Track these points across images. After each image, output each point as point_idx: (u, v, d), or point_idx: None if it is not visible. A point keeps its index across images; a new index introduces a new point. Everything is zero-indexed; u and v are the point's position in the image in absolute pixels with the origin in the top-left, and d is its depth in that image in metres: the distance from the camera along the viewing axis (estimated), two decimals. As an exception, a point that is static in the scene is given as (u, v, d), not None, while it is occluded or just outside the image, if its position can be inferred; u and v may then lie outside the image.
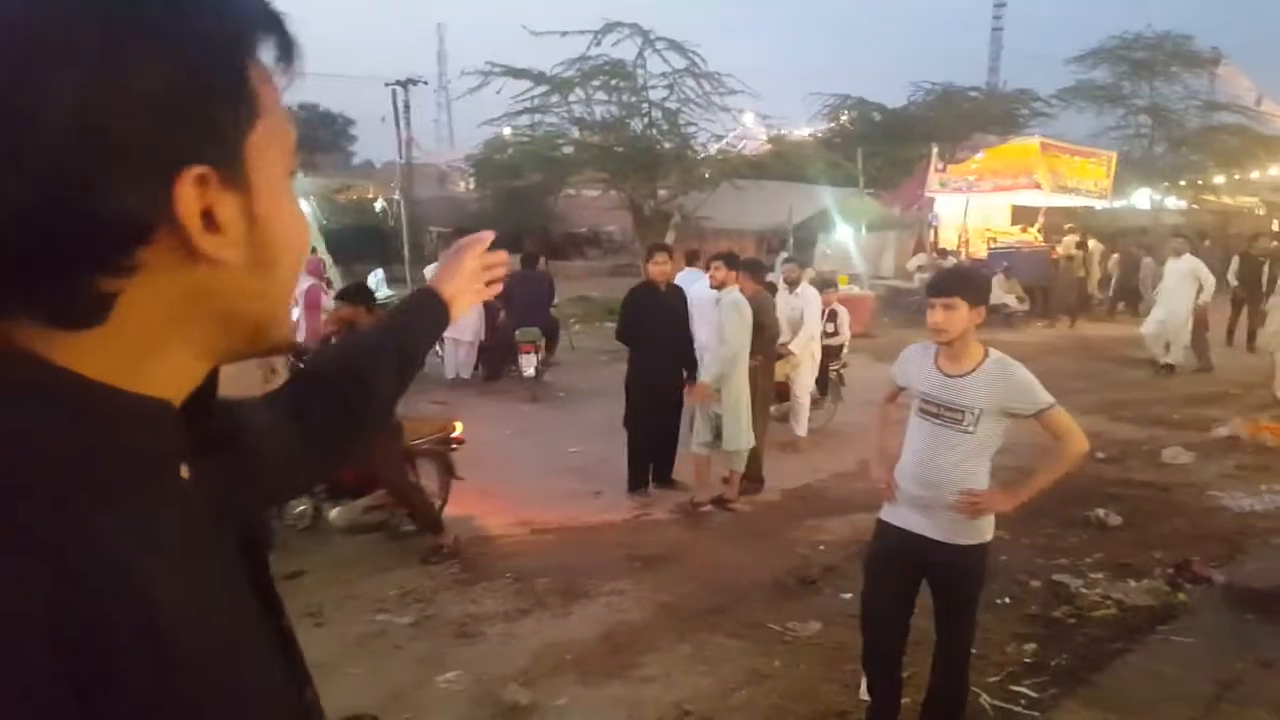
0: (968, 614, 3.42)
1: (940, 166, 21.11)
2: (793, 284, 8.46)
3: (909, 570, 3.44)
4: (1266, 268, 13.31)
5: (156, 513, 0.58)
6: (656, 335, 6.92)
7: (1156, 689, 3.98)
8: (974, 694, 3.92)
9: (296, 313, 9.16)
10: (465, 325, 10.29)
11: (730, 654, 4.45)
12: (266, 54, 0.62)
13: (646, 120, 22.16)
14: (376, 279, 15.28)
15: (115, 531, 0.54)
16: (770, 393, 7.51)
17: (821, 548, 5.86)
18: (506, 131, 24.76)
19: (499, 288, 1.42)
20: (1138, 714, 3.82)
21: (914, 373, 3.47)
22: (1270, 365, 10.18)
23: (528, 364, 10.40)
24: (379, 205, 28.14)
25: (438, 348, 10.92)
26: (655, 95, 21.96)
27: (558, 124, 22.81)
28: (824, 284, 9.44)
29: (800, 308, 8.19)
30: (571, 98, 22.04)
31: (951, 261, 17.89)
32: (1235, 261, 14.04)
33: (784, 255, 13.56)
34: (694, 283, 7.65)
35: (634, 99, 22.01)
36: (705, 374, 6.52)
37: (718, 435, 6.54)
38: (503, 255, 1.39)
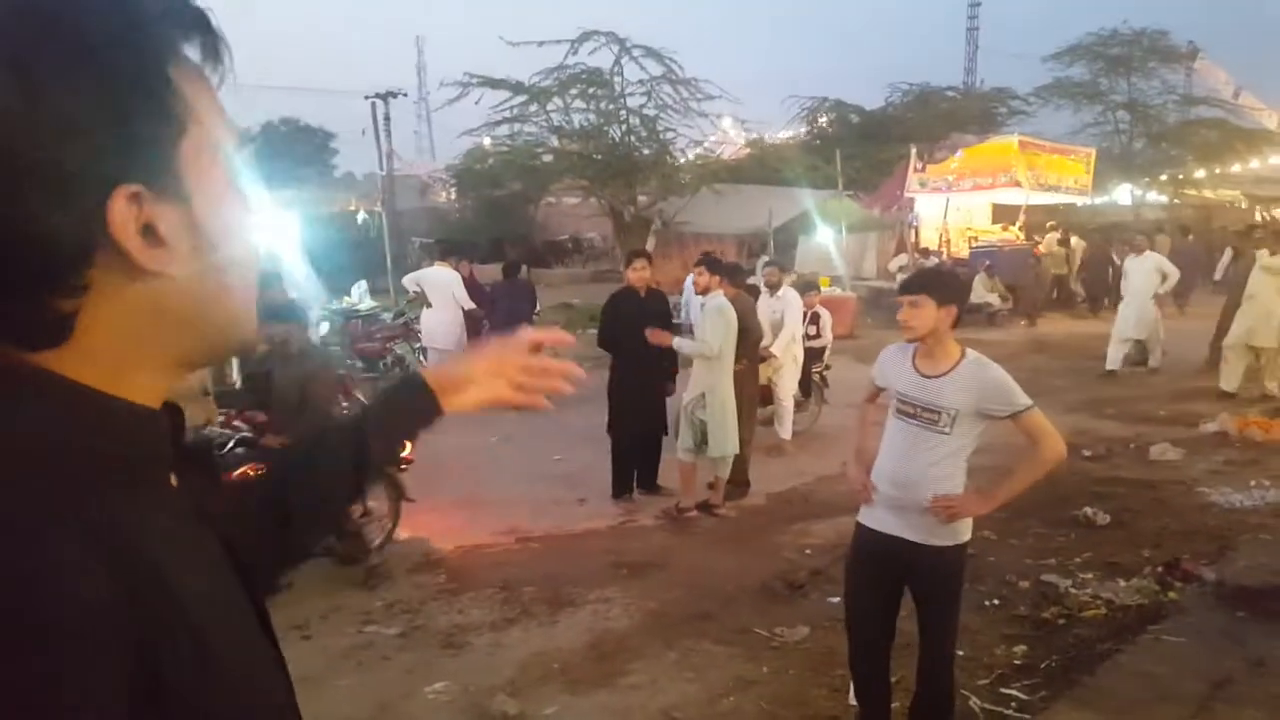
0: (948, 615, 3.37)
1: (919, 167, 21.20)
2: (774, 287, 8.43)
3: (888, 572, 3.40)
4: (1231, 261, 13.08)
5: (159, 512, 0.62)
6: (637, 341, 6.88)
7: (1147, 689, 3.93)
8: (963, 696, 3.88)
9: None
10: (443, 334, 10.19)
11: (717, 660, 4.41)
12: (191, 54, 0.62)
13: (625, 127, 22.21)
14: (359, 290, 15.17)
15: (137, 524, 0.59)
16: (755, 397, 7.48)
17: (808, 551, 5.82)
18: (486, 141, 24.78)
19: (539, 400, 1.15)
20: (1129, 715, 3.78)
21: (892, 373, 3.45)
22: (1240, 361, 10.06)
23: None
24: (361, 217, 28.04)
25: (421, 357, 10.84)
26: (633, 103, 22.06)
27: (537, 133, 22.87)
28: (805, 286, 9.41)
29: (781, 310, 8.16)
30: (550, 107, 22.10)
31: (933, 261, 17.94)
32: (1227, 255, 13.85)
33: (764, 259, 13.54)
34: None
35: (612, 107, 22.07)
36: (681, 346, 6.49)
37: (703, 441, 6.49)
38: (570, 367, 1.18)
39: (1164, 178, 30.11)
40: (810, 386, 8.89)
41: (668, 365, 7.10)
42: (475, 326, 10.91)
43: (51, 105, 0.55)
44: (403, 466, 5.83)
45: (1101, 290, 18.16)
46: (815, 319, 9.05)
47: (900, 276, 17.27)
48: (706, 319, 6.43)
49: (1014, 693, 4.03)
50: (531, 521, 6.54)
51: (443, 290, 10.26)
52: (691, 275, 8.41)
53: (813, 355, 8.84)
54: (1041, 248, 19.18)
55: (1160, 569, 5.20)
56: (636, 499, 7.01)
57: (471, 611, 5.01)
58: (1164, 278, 11.58)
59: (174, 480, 0.68)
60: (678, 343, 6.52)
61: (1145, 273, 11.57)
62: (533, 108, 22.06)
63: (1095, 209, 25.38)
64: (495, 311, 11.08)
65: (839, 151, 23.80)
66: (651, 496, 7.06)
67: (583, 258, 34.77)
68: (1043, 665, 4.26)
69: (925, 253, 19.26)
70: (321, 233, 24.85)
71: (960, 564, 3.34)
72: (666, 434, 7.12)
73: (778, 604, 5.04)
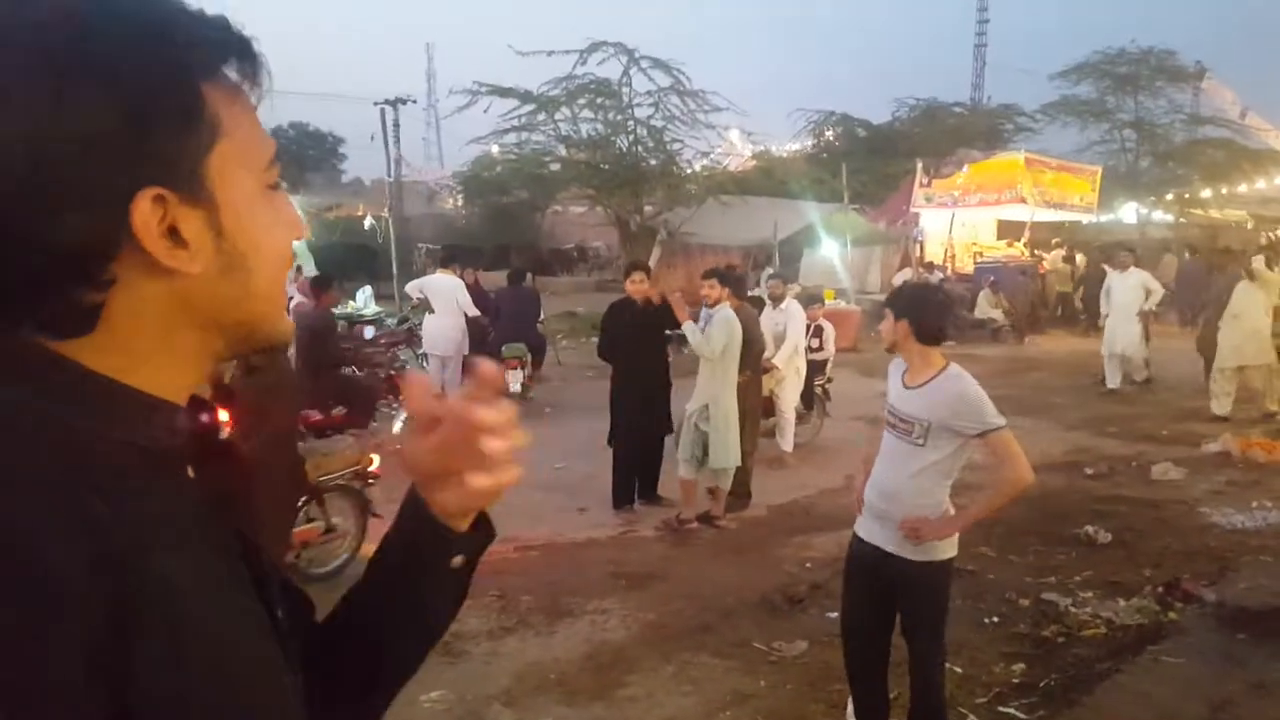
0: (930, 632, 3.38)
1: (925, 181, 21.21)
2: (777, 299, 8.45)
3: (878, 584, 3.42)
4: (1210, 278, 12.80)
5: (161, 499, 0.64)
6: (636, 351, 6.94)
7: (1147, 710, 3.92)
8: (961, 714, 3.87)
9: None
10: (445, 340, 10.19)
11: (715, 674, 4.39)
12: (229, 73, 0.67)
13: (632, 138, 22.24)
14: (365, 296, 15.23)
15: (131, 506, 0.61)
16: (758, 408, 7.47)
17: (808, 565, 5.80)
18: (494, 149, 24.86)
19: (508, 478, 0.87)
20: (1129, 735, 3.76)
21: (890, 384, 3.54)
22: (1230, 383, 9.99)
23: (514, 380, 10.34)
24: (368, 223, 28.11)
25: (423, 363, 10.86)
26: (641, 113, 22.08)
27: (544, 142, 22.91)
28: (809, 299, 9.43)
29: (784, 323, 8.18)
30: (558, 116, 22.14)
31: (938, 276, 17.94)
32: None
33: (768, 271, 13.55)
34: None
35: (620, 117, 22.10)
36: (691, 332, 6.50)
37: (704, 453, 6.50)
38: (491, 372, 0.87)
39: (1170, 197, 30.07)
40: (813, 399, 8.89)
41: (666, 375, 7.10)
42: (480, 333, 10.94)
43: (79, 110, 0.59)
44: (370, 481, 5.76)
45: (1098, 307, 18.06)
46: (818, 332, 9.06)
47: (904, 291, 17.28)
48: (713, 329, 6.47)
49: (1012, 711, 4.01)
50: (531, 530, 6.51)
51: (446, 297, 10.27)
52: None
53: (815, 368, 8.84)
54: (1046, 264, 19.17)
55: (1161, 589, 5.17)
56: (637, 509, 7.01)
57: (469, 620, 4.99)
58: (1148, 294, 11.57)
59: (190, 472, 0.71)
60: (688, 327, 6.53)
61: (1129, 289, 11.54)
62: (541, 117, 22.10)
63: (1101, 227, 25.35)
64: (499, 317, 11.11)
65: (845, 165, 23.84)
66: (652, 507, 7.05)
67: (588, 266, 34.83)
68: (1042, 684, 4.24)
69: (930, 267, 19.25)
70: (328, 237, 24.98)
71: (941, 580, 3.34)
72: (671, 432, 7.11)
73: (777, 618, 5.03)
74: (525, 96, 21.80)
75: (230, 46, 0.67)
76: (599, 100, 21.88)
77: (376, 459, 5.84)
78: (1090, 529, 6.21)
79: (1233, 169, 29.02)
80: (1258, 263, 10.09)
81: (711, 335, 6.44)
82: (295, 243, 0.76)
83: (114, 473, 0.62)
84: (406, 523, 0.87)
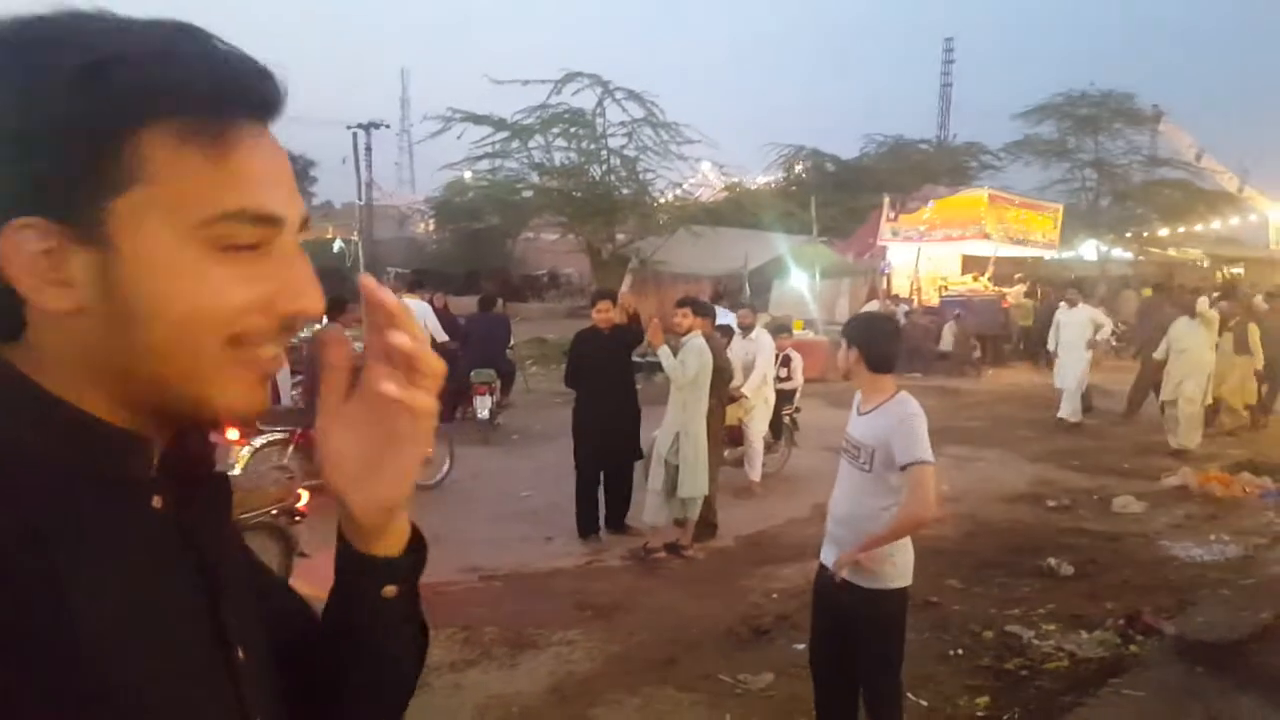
0: (879, 661, 3.37)
1: (892, 216, 21.48)
2: (747, 329, 8.49)
3: (836, 613, 3.43)
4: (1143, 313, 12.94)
5: (89, 519, 0.64)
6: (601, 380, 6.95)
7: (1109, 742, 3.94)
8: (927, 748, 3.86)
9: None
10: None
11: (680, 707, 4.36)
12: (172, 125, 0.63)
13: (605, 167, 22.38)
14: (331, 319, 15.06)
15: (31, 519, 0.61)
16: (720, 435, 7.47)
17: (775, 596, 5.80)
18: (467, 175, 24.89)
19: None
20: (1090, 768, 3.78)
21: (851, 414, 3.58)
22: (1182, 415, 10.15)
23: (482, 406, 10.29)
24: (338, 245, 27.98)
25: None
26: (614, 143, 22.25)
27: (518, 169, 22.97)
28: (778, 329, 9.48)
29: (754, 352, 8.22)
30: (532, 144, 22.23)
31: (904, 309, 18.12)
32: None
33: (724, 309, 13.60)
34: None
35: (593, 146, 22.25)
36: (664, 356, 6.52)
37: (674, 487, 6.50)
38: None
39: (1129, 235, 30.74)
40: (781, 429, 8.91)
41: (633, 403, 7.11)
42: (449, 358, 10.85)
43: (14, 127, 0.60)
44: (297, 519, 5.64)
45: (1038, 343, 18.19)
46: (786, 361, 9.10)
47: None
48: (686, 355, 6.50)
49: (976, 744, 4.01)
50: (496, 559, 6.45)
51: (414, 322, 10.20)
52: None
53: (784, 397, 8.88)
54: (1010, 299, 19.43)
55: (1122, 621, 5.22)
56: (604, 538, 6.97)
57: (431, 652, 4.85)
58: (1097, 328, 11.77)
59: (158, 502, 0.70)
60: (663, 352, 6.54)
61: (1077, 325, 11.73)
62: (514, 144, 22.19)
63: (1062, 263, 25.82)
64: (469, 342, 11.06)
65: (815, 198, 24.09)
66: (619, 536, 7.02)
67: (559, 293, 34.87)
68: (1005, 717, 4.25)
69: (896, 300, 19.45)
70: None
71: (891, 610, 3.34)
72: (640, 458, 7.10)
73: (743, 649, 5.01)
74: (499, 124, 21.88)
75: (193, 94, 0.63)
76: (573, 129, 22.01)
77: (305, 495, 5.71)
78: (1053, 561, 6.26)
79: (1189, 209, 29.80)
80: (1201, 304, 10.30)
81: (685, 362, 6.47)
82: None
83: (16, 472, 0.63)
84: (337, 564, 0.83)
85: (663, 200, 24.27)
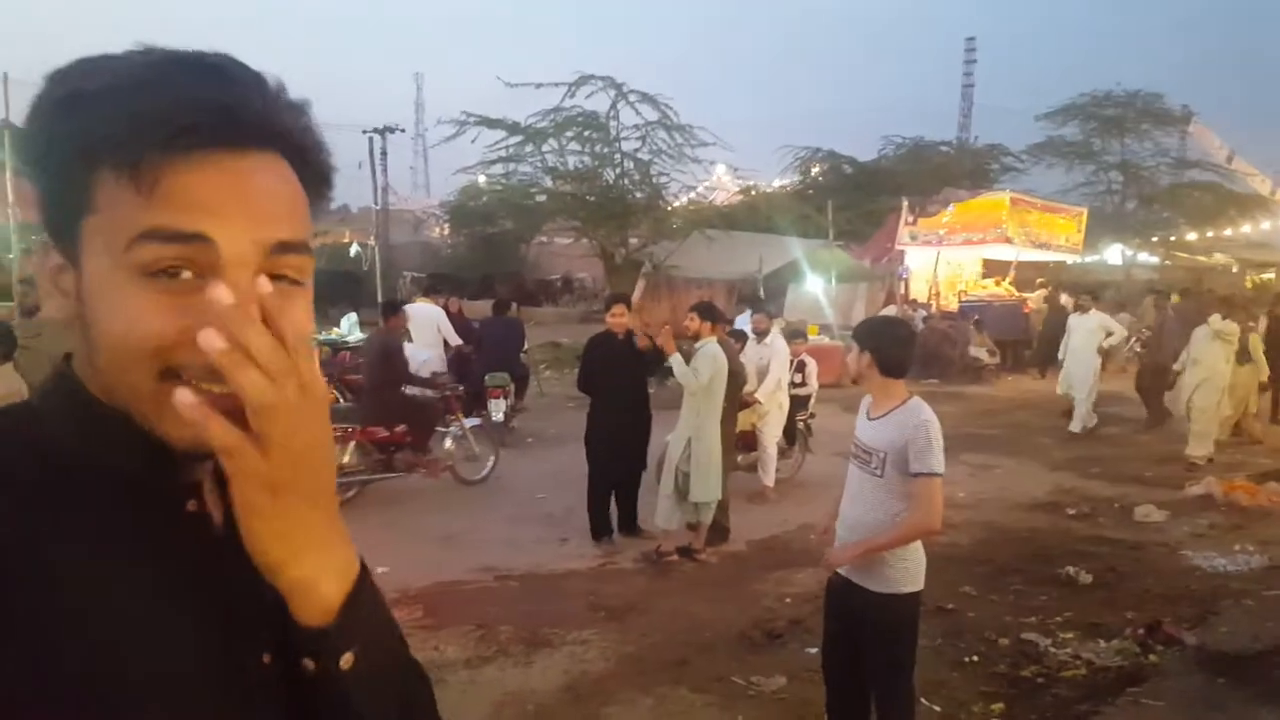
0: (889, 666, 3.34)
1: (910, 220, 21.36)
2: (761, 334, 8.46)
3: (849, 614, 3.40)
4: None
5: (122, 520, 0.67)
6: (614, 384, 6.93)
7: (1127, 752, 3.88)
8: (942, 755, 3.82)
9: None
10: (427, 371, 10.11)
11: (693, 708, 4.34)
12: (108, 159, 0.65)
13: (619, 170, 22.36)
14: (349, 323, 15.16)
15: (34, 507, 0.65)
16: (733, 439, 7.44)
17: (788, 600, 5.76)
18: (481, 179, 24.94)
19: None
20: (1109, 778, 3.72)
21: (858, 418, 3.55)
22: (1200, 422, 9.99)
23: (496, 409, 10.29)
24: (354, 250, 28.10)
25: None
26: (628, 146, 22.21)
27: (531, 173, 22.98)
28: (793, 334, 9.44)
29: (768, 357, 8.18)
30: (545, 147, 22.24)
31: (922, 314, 18.02)
32: (1261, 323, 13.17)
33: (748, 311, 13.58)
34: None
35: (607, 150, 22.23)
36: (675, 363, 6.51)
37: (685, 492, 6.47)
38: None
39: (1155, 239, 30.38)
40: (795, 434, 8.87)
41: (645, 408, 7.09)
42: (463, 363, 10.90)
43: (24, 154, 0.69)
44: None
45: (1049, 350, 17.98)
46: (801, 367, 9.06)
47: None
48: (698, 362, 6.47)
49: (991, 752, 3.97)
50: (511, 559, 6.47)
51: (426, 325, 10.23)
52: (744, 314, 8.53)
53: (798, 403, 8.83)
54: (1031, 304, 19.29)
55: (1141, 631, 5.15)
56: (617, 541, 6.95)
57: (447, 649, 4.93)
58: (1107, 335, 11.67)
59: (194, 506, 0.72)
60: (675, 360, 6.54)
61: (1087, 331, 11.63)
62: (528, 148, 22.21)
63: (1085, 267, 25.58)
64: (483, 346, 11.08)
65: (831, 202, 23.99)
66: (633, 539, 7.00)
67: (573, 298, 34.91)
68: (1021, 725, 4.21)
69: (914, 305, 19.35)
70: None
71: (903, 614, 3.31)
72: (646, 469, 7.08)
73: (756, 652, 4.98)
74: (513, 128, 21.91)
75: (116, 132, 0.64)
76: (586, 133, 22.00)
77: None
78: (1071, 569, 6.19)
79: (1218, 213, 29.26)
80: (1214, 321, 10.05)
81: (697, 369, 6.44)
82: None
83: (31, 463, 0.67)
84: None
85: (677, 204, 24.24)
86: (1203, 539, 7.17)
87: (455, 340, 10.44)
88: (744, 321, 9.49)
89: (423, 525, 6.63)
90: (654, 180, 22.67)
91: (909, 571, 3.29)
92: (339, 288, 23.49)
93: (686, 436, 6.50)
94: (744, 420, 7.89)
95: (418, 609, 5.48)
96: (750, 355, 8.01)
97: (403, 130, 29.07)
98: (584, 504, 7.10)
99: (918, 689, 3.50)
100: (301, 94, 0.72)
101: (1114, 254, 28.82)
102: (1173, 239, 30.23)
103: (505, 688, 4.51)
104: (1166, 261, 29.72)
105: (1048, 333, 17.20)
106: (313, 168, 0.73)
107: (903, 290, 20.73)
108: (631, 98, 21.59)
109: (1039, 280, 21.23)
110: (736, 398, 7.29)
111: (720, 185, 29.17)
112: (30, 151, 0.68)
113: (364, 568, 0.73)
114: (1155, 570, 6.41)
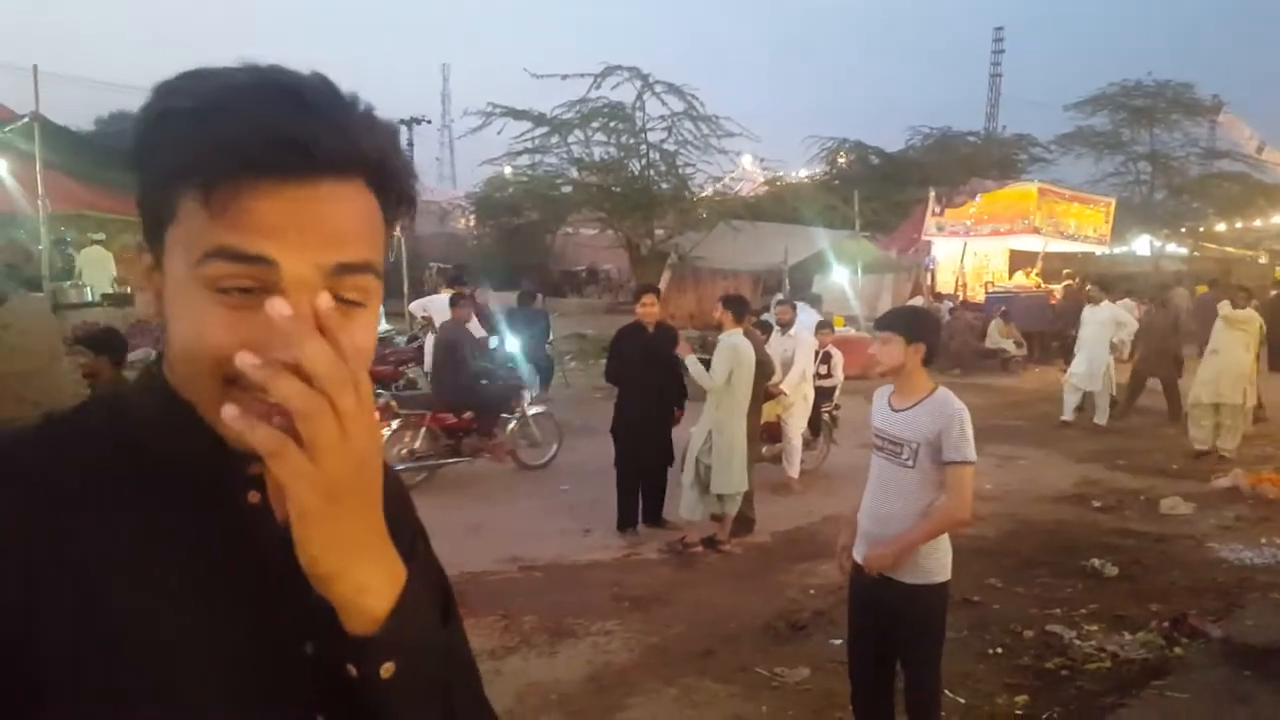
0: (924, 656, 3.35)
1: (937, 210, 21.21)
2: (785, 325, 8.46)
3: (877, 609, 3.40)
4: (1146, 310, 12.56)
5: (148, 500, 0.73)
6: (643, 375, 6.95)
7: (1151, 744, 3.88)
8: (964, 746, 3.84)
9: None
10: None
11: (717, 698, 4.37)
12: (208, 174, 0.69)
13: (644, 161, 22.37)
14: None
15: (86, 489, 0.72)
16: (758, 431, 7.46)
17: (812, 592, 5.78)
18: (507, 170, 25.02)
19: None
20: (1132, 770, 3.73)
21: (875, 410, 3.54)
22: (1207, 418, 9.79)
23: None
24: (380, 241, 28.20)
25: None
26: (653, 137, 22.23)
27: (557, 164, 23.06)
28: (819, 326, 9.42)
29: (793, 349, 8.18)
30: (571, 139, 22.28)
31: (948, 305, 17.92)
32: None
33: (778, 296, 13.56)
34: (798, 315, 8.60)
35: (632, 140, 22.24)
36: (692, 365, 6.63)
37: (707, 484, 6.51)
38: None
39: (1184, 230, 30.03)
40: (820, 425, 8.87)
41: (674, 400, 7.12)
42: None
43: (129, 158, 0.74)
44: None
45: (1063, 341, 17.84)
46: (827, 358, 9.05)
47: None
48: (715, 359, 6.50)
49: (1015, 744, 3.98)
50: (536, 550, 6.52)
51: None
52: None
53: (823, 394, 8.83)
54: (1057, 295, 19.13)
55: (1167, 624, 5.13)
56: (641, 532, 6.99)
57: (472, 638, 4.92)
58: (1119, 328, 11.53)
59: (254, 498, 0.75)
60: (690, 361, 6.64)
61: (1099, 324, 11.50)
62: (554, 139, 22.27)
63: (1114, 259, 25.30)
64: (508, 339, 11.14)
65: (857, 192, 23.88)
66: (657, 530, 7.04)
67: (598, 289, 34.91)
68: (1044, 717, 4.21)
69: (939, 297, 19.23)
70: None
71: (933, 605, 3.33)
72: (672, 464, 7.12)
73: (780, 644, 5.01)
74: (539, 119, 21.96)
75: (196, 158, 0.68)
76: (612, 124, 22.03)
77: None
78: (1097, 562, 6.17)
79: (1248, 204, 28.93)
80: (1224, 309, 9.87)
81: (714, 369, 6.47)
82: None
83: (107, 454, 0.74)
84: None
85: (702, 195, 24.21)
86: (1229, 531, 7.12)
87: (481, 332, 10.50)
88: (803, 310, 9.57)
89: (449, 517, 6.71)
90: (679, 171, 22.67)
91: (941, 562, 3.31)
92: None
93: (708, 429, 6.52)
94: (769, 411, 7.90)
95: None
96: (774, 347, 8.01)
97: (429, 121, 29.37)
98: (608, 495, 7.14)
99: (943, 680, 3.52)
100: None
101: (1142, 245, 28.50)
102: (1201, 230, 29.86)
103: (529, 678, 4.55)
104: (1195, 252, 29.37)
105: (1061, 324, 17.18)
106: (392, 190, 0.76)
107: (929, 281, 20.62)
108: (657, 88, 21.60)
109: (1065, 271, 21.05)
110: (762, 389, 7.30)
111: (746, 176, 29.11)
112: (132, 158, 0.73)
113: (410, 575, 0.74)
114: (1181, 563, 6.38)
